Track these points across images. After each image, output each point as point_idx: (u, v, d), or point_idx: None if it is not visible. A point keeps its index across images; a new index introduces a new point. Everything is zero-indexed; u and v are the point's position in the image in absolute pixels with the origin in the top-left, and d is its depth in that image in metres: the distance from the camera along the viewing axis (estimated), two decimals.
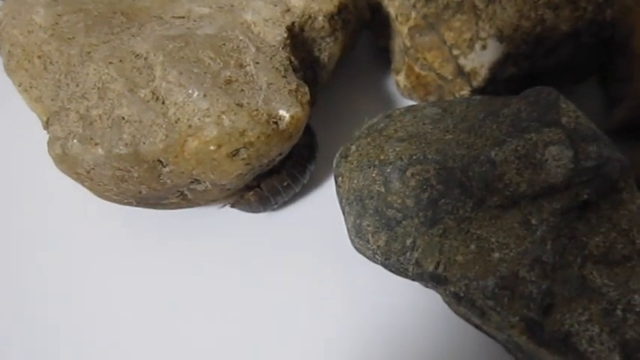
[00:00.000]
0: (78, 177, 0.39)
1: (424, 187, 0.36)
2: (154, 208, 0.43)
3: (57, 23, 0.39)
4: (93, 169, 0.38)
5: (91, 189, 0.40)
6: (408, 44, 0.45)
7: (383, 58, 0.50)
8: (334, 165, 0.41)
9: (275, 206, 0.45)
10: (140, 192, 0.40)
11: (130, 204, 0.41)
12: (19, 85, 0.39)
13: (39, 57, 0.39)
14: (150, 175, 0.38)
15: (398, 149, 0.38)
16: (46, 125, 0.38)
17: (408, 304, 0.42)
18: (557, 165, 0.35)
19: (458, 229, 0.35)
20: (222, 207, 0.45)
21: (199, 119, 0.36)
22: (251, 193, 0.43)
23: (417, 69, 0.45)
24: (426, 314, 0.41)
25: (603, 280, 0.33)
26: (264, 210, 0.45)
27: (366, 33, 0.49)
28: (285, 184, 0.44)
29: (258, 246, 0.44)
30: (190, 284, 0.43)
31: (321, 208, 0.46)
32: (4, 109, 0.48)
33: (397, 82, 0.47)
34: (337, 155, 0.41)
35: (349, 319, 0.42)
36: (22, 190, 0.47)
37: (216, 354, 0.41)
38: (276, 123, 0.37)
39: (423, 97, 0.46)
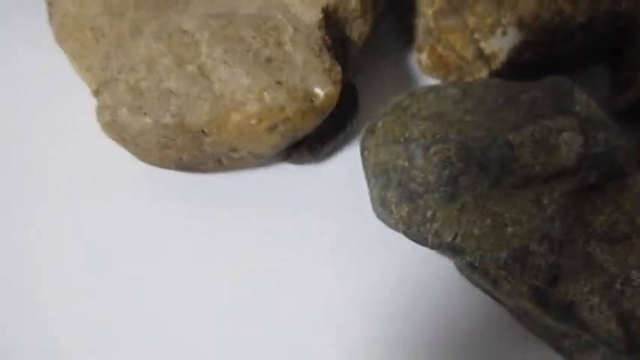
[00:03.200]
0: (124, 142, 0.42)
1: (445, 164, 0.40)
2: (190, 172, 0.46)
3: None
4: (139, 135, 0.41)
5: (134, 153, 0.43)
6: (432, 26, 0.47)
7: (406, 36, 0.53)
8: (361, 139, 0.45)
9: (321, 156, 0.49)
10: (181, 158, 0.43)
11: (168, 168, 0.45)
12: (70, 54, 0.42)
13: (91, 29, 0.41)
14: (192, 144, 0.41)
15: (422, 127, 0.41)
16: (96, 93, 0.41)
17: (423, 270, 0.45)
18: (568, 150, 0.38)
19: (475, 204, 0.39)
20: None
21: (242, 95, 0.39)
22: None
23: (439, 49, 0.48)
24: (439, 280, 0.45)
25: (605, 256, 0.37)
26: (314, 160, 0.49)
27: (391, 9, 0.52)
28: (330, 135, 0.48)
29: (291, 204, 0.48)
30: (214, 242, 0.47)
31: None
32: (54, 76, 0.51)
33: (419, 60, 0.50)
34: (363, 130, 0.45)
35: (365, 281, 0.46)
36: (61, 150, 0.50)
37: (229, 312, 0.45)
38: (311, 100, 0.40)
39: (443, 75, 0.49)
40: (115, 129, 0.41)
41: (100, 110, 0.41)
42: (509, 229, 0.38)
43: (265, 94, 0.39)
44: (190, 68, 0.40)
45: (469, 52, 0.46)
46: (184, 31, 0.41)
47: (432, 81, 0.51)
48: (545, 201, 0.38)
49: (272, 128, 0.40)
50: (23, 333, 0.43)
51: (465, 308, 0.44)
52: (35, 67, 0.51)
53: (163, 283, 0.45)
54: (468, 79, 0.48)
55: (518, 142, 0.39)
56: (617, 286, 0.36)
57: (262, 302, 0.45)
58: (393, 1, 0.50)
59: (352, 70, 0.49)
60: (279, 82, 0.39)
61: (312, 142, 0.47)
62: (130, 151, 0.43)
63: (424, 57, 0.50)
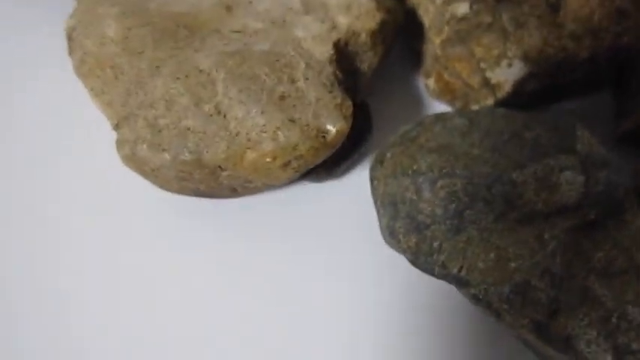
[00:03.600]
0: (143, 174, 0.44)
1: (452, 198, 0.42)
2: (207, 197, 0.48)
3: (127, 37, 0.43)
4: (158, 169, 0.42)
5: (154, 183, 0.45)
6: (439, 53, 0.49)
7: (414, 59, 0.54)
8: (370, 168, 0.46)
9: (338, 174, 0.51)
10: (198, 188, 0.45)
11: (186, 195, 0.47)
12: (91, 90, 0.44)
13: (111, 67, 0.43)
14: (209, 177, 0.43)
15: (429, 160, 0.43)
16: (116, 127, 0.43)
17: (432, 294, 0.47)
18: (570, 189, 0.40)
19: (480, 238, 0.41)
20: None
21: (257, 134, 0.41)
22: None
23: (446, 76, 0.50)
24: (447, 301, 0.47)
25: (603, 291, 0.39)
26: (331, 178, 0.51)
27: (400, 33, 0.53)
28: (346, 154, 0.49)
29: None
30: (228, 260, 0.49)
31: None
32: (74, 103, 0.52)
33: (427, 84, 0.52)
34: (373, 159, 0.46)
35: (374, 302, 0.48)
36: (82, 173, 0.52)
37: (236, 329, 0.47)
38: (324, 137, 0.42)
39: (450, 101, 0.51)
40: (134, 162, 0.43)
41: (120, 144, 0.43)
42: (512, 264, 0.40)
43: (279, 132, 0.41)
44: (207, 107, 0.41)
45: (475, 81, 0.48)
46: (201, 70, 0.42)
47: (440, 104, 0.53)
48: (547, 237, 0.40)
49: (286, 165, 0.41)
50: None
51: (475, 332, 0.46)
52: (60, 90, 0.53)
53: (178, 298, 0.48)
54: (474, 105, 0.49)
55: (522, 180, 0.40)
56: (614, 320, 0.38)
57: (278, 321, 0.47)
58: (404, 26, 0.51)
59: (364, 92, 0.50)
60: (292, 120, 0.41)
61: (328, 163, 0.48)
62: (149, 180, 0.45)
63: (431, 82, 0.51)
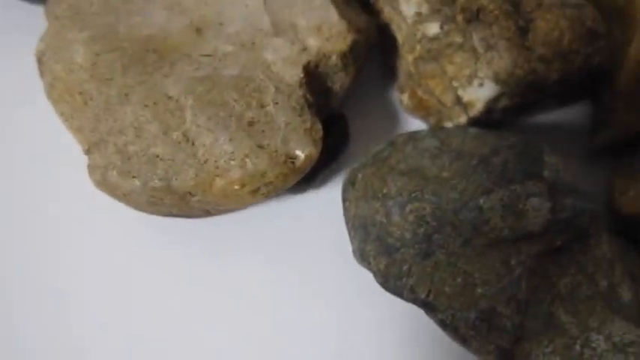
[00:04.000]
0: (116, 197, 0.44)
1: (420, 222, 0.42)
2: (181, 218, 0.48)
3: (95, 63, 0.43)
4: (129, 194, 0.43)
5: (127, 205, 0.45)
6: (412, 70, 0.49)
7: (388, 73, 0.54)
8: (342, 189, 0.47)
9: (316, 184, 0.51)
10: (171, 212, 0.45)
11: (160, 215, 0.47)
12: (61, 114, 0.44)
13: (79, 93, 0.43)
14: (180, 202, 0.43)
15: (399, 184, 0.43)
16: (87, 152, 0.43)
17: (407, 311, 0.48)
18: (536, 215, 0.40)
19: (447, 262, 0.41)
20: None
21: (225, 161, 0.41)
22: None
23: (419, 93, 0.50)
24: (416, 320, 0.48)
25: (568, 317, 0.39)
26: (309, 188, 0.51)
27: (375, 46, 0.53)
28: (324, 164, 0.49)
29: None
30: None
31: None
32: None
33: (401, 100, 0.52)
34: (345, 179, 0.47)
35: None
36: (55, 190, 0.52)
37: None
38: (292, 162, 0.42)
39: (423, 117, 0.51)
40: (106, 187, 0.43)
41: (91, 169, 0.43)
42: (479, 290, 0.40)
43: (247, 160, 0.41)
44: (176, 135, 0.42)
45: (448, 98, 0.48)
46: (170, 97, 0.42)
47: (414, 119, 0.53)
48: (513, 262, 0.40)
49: (255, 191, 0.42)
50: None
51: (447, 352, 0.47)
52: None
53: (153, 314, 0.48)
54: (447, 122, 0.49)
55: (489, 206, 0.41)
56: (577, 347, 0.39)
57: (253, 337, 0.48)
58: (378, 41, 0.51)
59: (338, 107, 0.50)
60: (260, 147, 0.41)
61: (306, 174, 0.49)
62: (122, 203, 0.45)
63: (405, 98, 0.51)
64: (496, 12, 0.43)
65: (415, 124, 0.53)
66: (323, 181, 0.52)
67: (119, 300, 0.48)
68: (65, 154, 0.50)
